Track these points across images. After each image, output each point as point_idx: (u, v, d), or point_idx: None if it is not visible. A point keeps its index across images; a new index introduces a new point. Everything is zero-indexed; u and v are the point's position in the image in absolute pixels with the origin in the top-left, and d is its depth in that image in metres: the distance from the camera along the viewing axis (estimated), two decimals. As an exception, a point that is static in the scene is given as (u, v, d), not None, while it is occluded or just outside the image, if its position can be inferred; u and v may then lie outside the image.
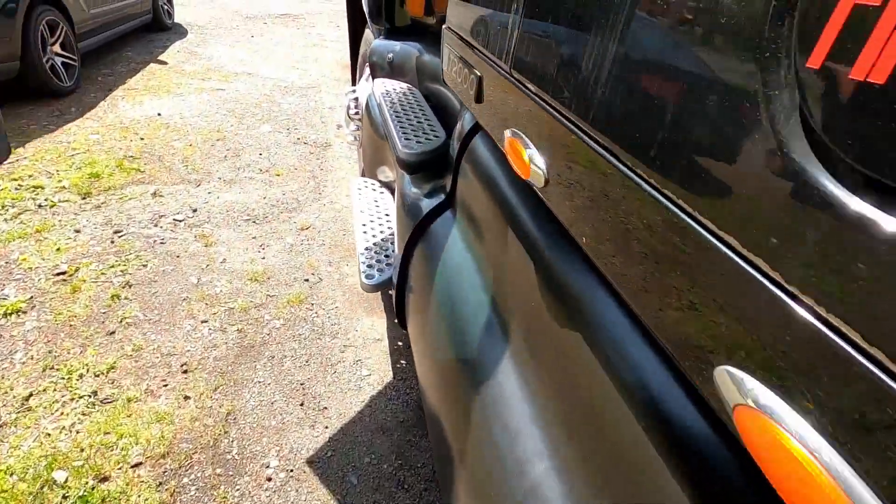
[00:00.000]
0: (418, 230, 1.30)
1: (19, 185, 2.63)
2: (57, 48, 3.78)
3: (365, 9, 2.28)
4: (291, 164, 3.27)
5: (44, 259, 2.10)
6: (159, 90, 4.19)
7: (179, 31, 6.09)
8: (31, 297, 1.89)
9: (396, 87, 1.93)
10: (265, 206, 2.75)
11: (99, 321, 1.82)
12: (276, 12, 7.97)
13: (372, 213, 1.95)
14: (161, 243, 2.31)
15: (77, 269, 2.06)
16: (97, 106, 3.74)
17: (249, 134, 3.61)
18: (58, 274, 2.02)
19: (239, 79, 4.74)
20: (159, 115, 3.72)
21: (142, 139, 3.31)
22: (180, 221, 2.51)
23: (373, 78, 2.17)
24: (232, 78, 4.74)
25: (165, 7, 5.99)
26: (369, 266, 1.61)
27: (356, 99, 2.67)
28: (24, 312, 1.82)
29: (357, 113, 2.65)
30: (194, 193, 2.78)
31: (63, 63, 3.82)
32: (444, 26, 1.19)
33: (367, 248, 1.70)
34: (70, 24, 3.91)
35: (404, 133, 1.49)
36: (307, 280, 2.20)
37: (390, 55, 2.07)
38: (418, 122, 1.60)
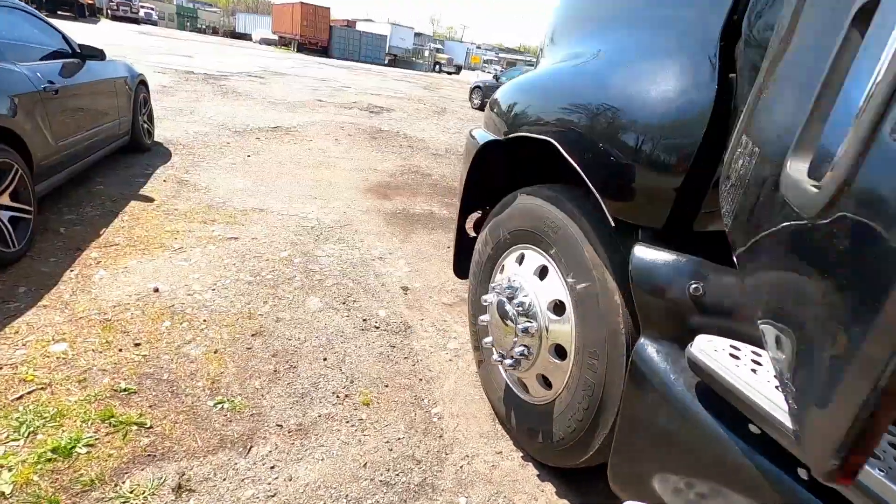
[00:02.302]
0: None
1: None
2: (5, 199, 2.63)
3: (617, 194, 1.34)
4: (374, 376, 2.17)
5: None
6: (149, 245, 3.05)
7: (161, 153, 5.06)
8: None
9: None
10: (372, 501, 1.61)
11: None
12: (265, 125, 7.19)
13: None
14: None
15: None
16: (61, 280, 2.54)
17: (295, 318, 2.51)
18: None
19: (250, 219, 3.70)
20: (156, 290, 2.57)
21: (137, 345, 2.13)
22: (242, 568, 1.31)
23: (643, 315, 1.20)
24: (241, 218, 3.69)
25: (146, 125, 5.01)
26: None
27: (525, 304, 1.69)
28: None
29: (528, 326, 1.66)
30: (246, 474, 1.60)
31: (11, 218, 2.66)
32: None
33: None
34: (28, 164, 2.80)
35: None
36: None
37: (695, 285, 1.13)
38: None
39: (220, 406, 1.86)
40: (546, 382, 1.70)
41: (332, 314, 2.60)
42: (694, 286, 1.14)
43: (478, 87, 15.20)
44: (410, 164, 6.41)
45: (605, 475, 1.61)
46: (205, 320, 2.37)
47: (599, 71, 1.41)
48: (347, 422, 1.88)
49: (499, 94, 2.04)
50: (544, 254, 1.70)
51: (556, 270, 1.63)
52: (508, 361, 1.75)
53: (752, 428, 1.00)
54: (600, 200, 1.35)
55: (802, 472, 0.92)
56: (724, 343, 1.04)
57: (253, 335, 2.31)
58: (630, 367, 1.21)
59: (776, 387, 0.92)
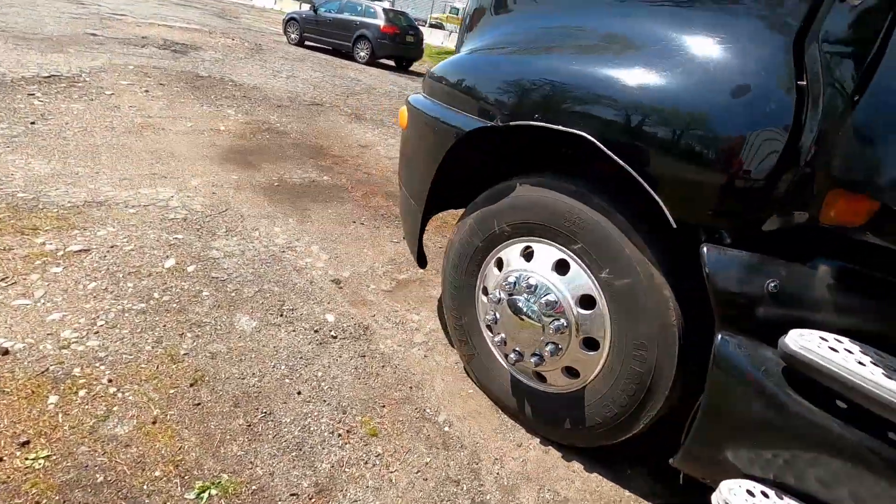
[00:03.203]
0: None
1: None
2: None
3: (662, 198, 1.32)
4: (363, 398, 1.93)
5: None
6: (-52, 282, 2.08)
7: None
8: None
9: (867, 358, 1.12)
10: (437, 532, 1.47)
11: None
12: (31, 73, 5.32)
13: None
14: None
15: None
16: None
17: (233, 347, 2.03)
18: None
19: (90, 219, 2.79)
20: (6, 353, 1.79)
21: (25, 445, 1.47)
22: None
23: (721, 313, 1.27)
24: (76, 219, 2.75)
25: None
26: None
27: (551, 302, 1.64)
28: None
29: (560, 325, 1.63)
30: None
31: None
32: None
33: None
34: None
35: None
36: None
37: (773, 283, 1.23)
38: None
39: (205, 495, 1.44)
40: (571, 373, 1.72)
41: (275, 332, 2.18)
42: (772, 284, 1.23)
43: (293, 19, 13.50)
44: (257, 119, 5.53)
45: (619, 446, 1.73)
46: (110, 380, 1.76)
47: (657, 63, 1.33)
48: (366, 463, 1.66)
49: (476, 68, 1.82)
50: (563, 248, 1.65)
51: (582, 266, 1.61)
52: (533, 360, 1.71)
53: (840, 403, 1.17)
54: (660, 202, 1.33)
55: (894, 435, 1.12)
56: (814, 336, 1.17)
57: (192, 385, 1.81)
58: (713, 361, 1.28)
59: (885, 374, 1.07)
